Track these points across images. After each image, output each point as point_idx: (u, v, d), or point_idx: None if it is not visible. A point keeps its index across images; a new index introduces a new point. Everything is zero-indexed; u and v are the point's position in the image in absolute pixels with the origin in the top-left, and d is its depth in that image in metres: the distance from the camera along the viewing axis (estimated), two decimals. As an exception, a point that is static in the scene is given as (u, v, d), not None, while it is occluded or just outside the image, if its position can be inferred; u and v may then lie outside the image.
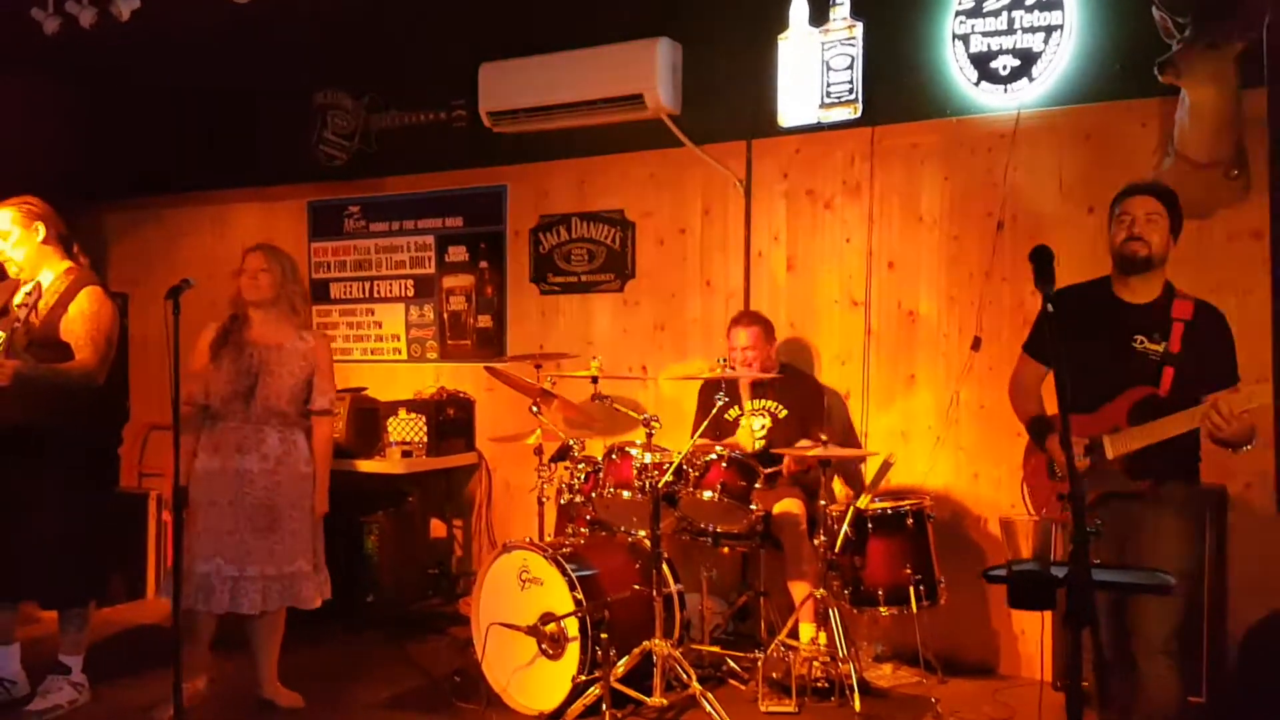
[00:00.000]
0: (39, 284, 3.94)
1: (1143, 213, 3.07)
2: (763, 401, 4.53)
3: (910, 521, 3.94)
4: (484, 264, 5.65)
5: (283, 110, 6.08)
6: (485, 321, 5.66)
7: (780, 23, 4.73)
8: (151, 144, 6.37)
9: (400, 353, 5.90)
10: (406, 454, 5.23)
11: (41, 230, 3.94)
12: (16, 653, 4.05)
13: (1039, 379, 3.34)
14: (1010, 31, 4.31)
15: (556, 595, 3.83)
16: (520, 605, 3.91)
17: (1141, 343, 3.06)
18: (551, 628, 3.82)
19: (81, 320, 3.88)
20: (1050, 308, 2.30)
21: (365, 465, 5.19)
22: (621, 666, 3.76)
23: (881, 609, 3.89)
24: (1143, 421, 2.99)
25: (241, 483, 3.77)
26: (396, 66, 5.75)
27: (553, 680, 3.81)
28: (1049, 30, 4.24)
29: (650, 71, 4.83)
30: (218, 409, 3.82)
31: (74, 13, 4.97)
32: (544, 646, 3.85)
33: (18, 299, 3.92)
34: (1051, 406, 3.26)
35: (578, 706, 3.72)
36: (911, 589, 3.83)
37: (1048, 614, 3.85)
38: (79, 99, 6.03)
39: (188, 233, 6.47)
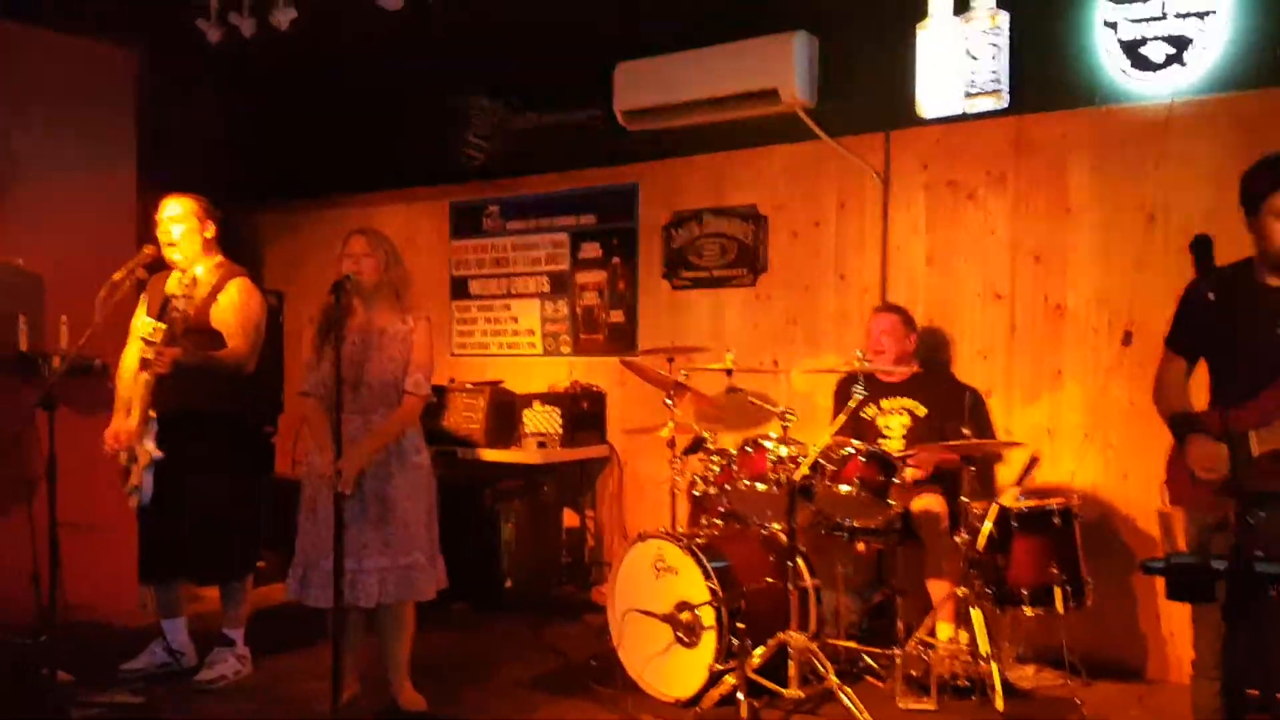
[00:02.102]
0: (194, 276, 4.10)
1: None
2: (901, 400, 4.47)
3: (1057, 520, 3.83)
4: (616, 260, 5.73)
5: (426, 114, 6.26)
6: (617, 316, 5.74)
7: (919, 12, 4.66)
8: (304, 149, 6.64)
9: (535, 347, 6.04)
10: (541, 445, 5.36)
11: (212, 229, 4.20)
12: (184, 625, 4.29)
13: (1182, 374, 3.19)
14: (1162, 17, 4.15)
15: (691, 584, 3.87)
16: (655, 594, 3.96)
17: None
18: (686, 616, 3.86)
19: (232, 310, 4.11)
20: (1212, 297, 2.22)
21: (502, 455, 5.35)
22: (757, 657, 3.77)
23: (1026, 609, 3.80)
24: None
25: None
26: (535, 68, 5.87)
27: (688, 668, 3.85)
28: (1203, 15, 4.06)
29: (786, 65, 4.81)
30: (328, 401, 3.62)
31: (236, 23, 5.25)
32: (679, 634, 3.89)
33: (172, 287, 4.11)
34: (1200, 404, 3.11)
35: (714, 695, 3.74)
36: (1058, 589, 3.74)
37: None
38: (238, 106, 6.35)
39: (337, 234, 6.66)
